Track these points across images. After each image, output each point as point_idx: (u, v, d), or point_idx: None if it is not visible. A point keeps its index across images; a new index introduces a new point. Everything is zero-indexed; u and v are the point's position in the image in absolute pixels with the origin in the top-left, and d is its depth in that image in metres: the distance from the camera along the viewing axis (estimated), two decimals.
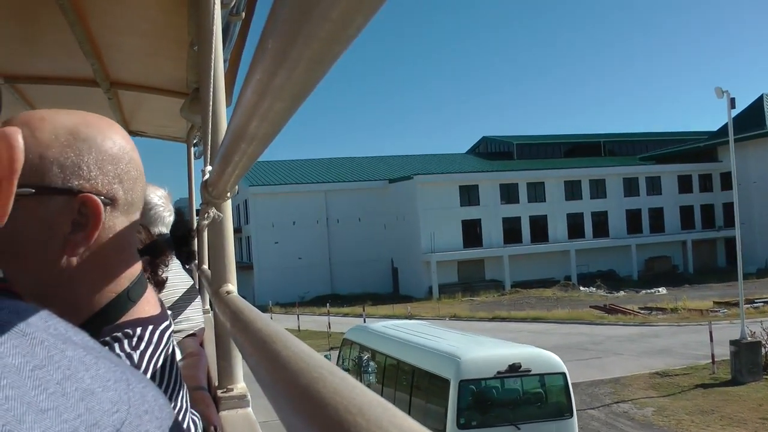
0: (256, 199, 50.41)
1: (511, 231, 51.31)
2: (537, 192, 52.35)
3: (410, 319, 28.54)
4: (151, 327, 0.94)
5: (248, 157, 0.89)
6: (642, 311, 33.20)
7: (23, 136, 0.78)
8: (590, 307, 35.09)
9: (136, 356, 0.90)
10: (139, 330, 0.92)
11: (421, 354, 10.23)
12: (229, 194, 1.32)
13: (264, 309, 45.07)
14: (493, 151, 64.76)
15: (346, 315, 37.72)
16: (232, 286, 1.70)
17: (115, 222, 0.91)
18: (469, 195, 50.44)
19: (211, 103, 1.78)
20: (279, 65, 0.50)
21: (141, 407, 0.51)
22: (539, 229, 52.22)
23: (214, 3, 1.80)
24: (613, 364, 20.13)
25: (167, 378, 0.95)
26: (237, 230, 54.40)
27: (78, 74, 3.35)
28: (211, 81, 1.77)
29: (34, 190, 0.84)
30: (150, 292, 1.00)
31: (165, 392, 0.89)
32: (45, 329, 0.48)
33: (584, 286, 48.39)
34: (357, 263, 51.77)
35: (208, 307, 3.87)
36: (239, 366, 1.82)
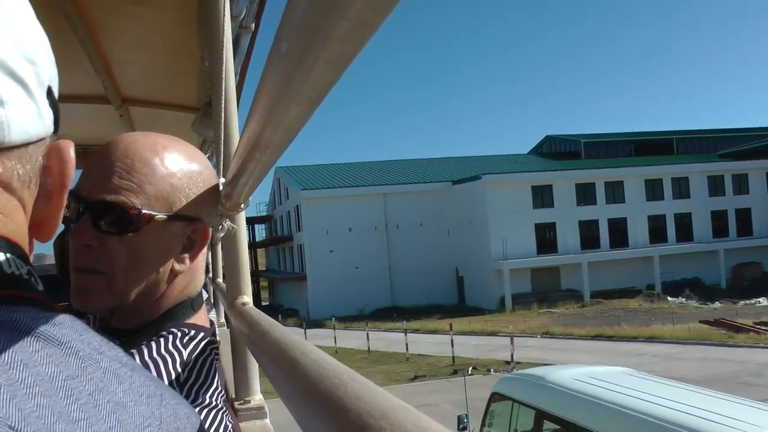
0: (309, 204, 46.55)
1: (589, 235, 46.62)
2: (615, 192, 47.57)
3: (511, 335, 24.01)
4: (202, 333, 1.06)
5: (262, 166, 0.90)
6: (762, 327, 28.37)
7: (153, 164, 1.00)
8: (700, 322, 30.34)
9: (185, 353, 1.01)
10: (193, 332, 1.05)
11: None
12: (243, 206, 1.28)
13: (321, 324, 41.05)
14: (558, 150, 60.10)
15: (416, 331, 33.36)
16: (247, 298, 1.68)
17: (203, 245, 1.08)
18: (542, 196, 45.89)
19: (223, 115, 1.77)
20: (295, 68, 0.49)
21: (173, 424, 0.51)
22: (618, 233, 47.44)
23: (224, 16, 1.83)
24: None
25: (205, 377, 1.02)
26: (288, 238, 50.95)
27: (89, 91, 3.36)
28: (223, 93, 1.75)
29: (167, 217, 0.99)
30: (204, 308, 1.13)
31: (201, 389, 1.00)
32: (80, 341, 0.49)
33: (670, 296, 43.62)
34: (419, 272, 47.59)
35: (223, 320, 4.03)
36: (256, 377, 1.77)
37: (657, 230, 48.31)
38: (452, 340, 24.11)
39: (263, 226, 65.13)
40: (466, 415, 10.41)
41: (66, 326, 0.49)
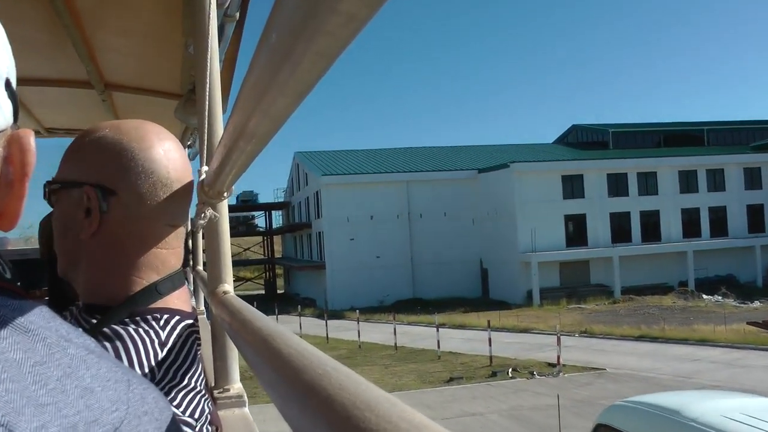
0: (329, 190, 44.82)
1: (620, 228, 44.67)
2: (648, 183, 45.57)
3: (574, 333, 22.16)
4: (177, 317, 1.03)
5: (247, 155, 0.88)
6: None
7: (73, 145, 1.04)
8: (748, 323, 28.40)
9: (163, 334, 0.99)
10: (166, 316, 1.01)
11: None
12: (226, 194, 1.29)
13: (341, 316, 39.37)
14: (585, 140, 58.00)
15: (442, 325, 31.55)
16: (228, 286, 1.68)
17: (124, 214, 1.01)
18: (572, 186, 43.94)
19: (207, 103, 1.74)
20: (284, 60, 0.50)
21: (140, 408, 0.53)
22: (651, 226, 45.46)
23: (210, 3, 1.83)
24: None
25: (184, 359, 1.00)
26: (306, 225, 49.10)
27: (72, 76, 3.38)
28: (207, 81, 1.75)
29: (60, 185, 1.04)
30: (184, 292, 1.09)
31: (180, 370, 0.98)
32: (47, 328, 0.50)
33: (704, 293, 41.61)
34: (442, 263, 45.83)
35: (203, 308, 4.17)
36: (236, 366, 1.80)
37: (691, 224, 46.33)
38: (490, 338, 22.28)
39: (280, 212, 63.47)
40: None
41: (34, 314, 0.49)
